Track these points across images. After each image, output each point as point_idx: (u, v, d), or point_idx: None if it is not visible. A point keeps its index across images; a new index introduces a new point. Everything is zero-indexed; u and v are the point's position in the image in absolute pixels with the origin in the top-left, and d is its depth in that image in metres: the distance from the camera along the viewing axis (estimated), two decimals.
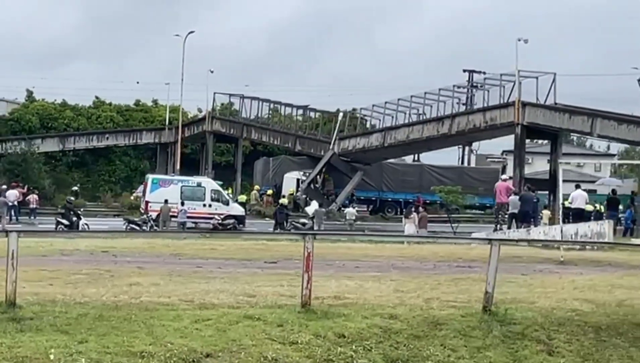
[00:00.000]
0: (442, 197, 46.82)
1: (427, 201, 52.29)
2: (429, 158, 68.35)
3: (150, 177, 46.81)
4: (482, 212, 59.54)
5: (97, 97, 79.82)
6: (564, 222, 29.91)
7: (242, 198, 53.80)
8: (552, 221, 37.08)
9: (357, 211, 53.95)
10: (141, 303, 11.33)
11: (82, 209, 42.91)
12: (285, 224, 43.91)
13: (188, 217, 42.36)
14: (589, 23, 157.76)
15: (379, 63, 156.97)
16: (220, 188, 47.32)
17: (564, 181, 31.46)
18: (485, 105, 49.32)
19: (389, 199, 60.97)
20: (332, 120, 59.89)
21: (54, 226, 36.93)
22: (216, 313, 10.88)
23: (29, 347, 9.17)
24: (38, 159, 59.83)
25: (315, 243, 24.79)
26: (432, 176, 60.25)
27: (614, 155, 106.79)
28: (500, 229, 33.29)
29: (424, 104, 52.73)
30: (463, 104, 54.77)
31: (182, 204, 42.07)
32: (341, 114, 58.65)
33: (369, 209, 61.99)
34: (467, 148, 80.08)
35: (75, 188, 61.06)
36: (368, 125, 59.97)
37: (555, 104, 45.41)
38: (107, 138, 72.21)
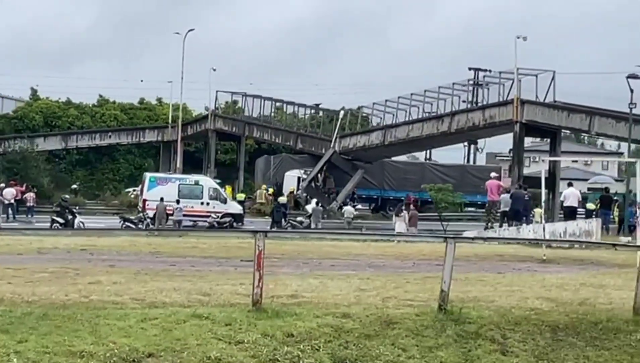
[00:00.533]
0: (432, 195, 46.41)
1: (429, 200, 52.01)
2: (438, 156, 68.26)
3: (147, 175, 46.83)
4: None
5: (100, 96, 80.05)
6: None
7: (241, 196, 53.73)
8: (550, 219, 36.92)
9: (357, 209, 53.93)
10: (90, 302, 11.28)
11: (77, 207, 42.86)
12: (282, 222, 43.94)
13: (186, 215, 42.38)
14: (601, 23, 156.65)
15: (392, 62, 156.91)
16: (218, 186, 47.32)
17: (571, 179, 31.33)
18: (485, 103, 49.22)
19: (391, 198, 60.67)
20: (332, 119, 59.77)
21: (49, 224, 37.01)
22: (164, 312, 10.78)
23: None
24: (37, 158, 59.91)
25: (299, 241, 24.82)
26: (434, 174, 60.04)
27: (621, 153, 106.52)
28: (492, 227, 33.14)
29: (424, 102, 52.56)
30: (469, 102, 54.57)
31: (178, 202, 42.02)
32: (342, 112, 58.48)
33: (371, 207, 61.98)
34: (472, 146, 80.00)
35: (74, 186, 61.17)
36: (374, 123, 59.78)
37: (555, 102, 45.23)
38: (110, 136, 72.29)
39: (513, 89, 45.52)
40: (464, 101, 54.03)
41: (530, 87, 45.55)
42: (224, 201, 45.68)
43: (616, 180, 66.61)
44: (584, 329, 11.46)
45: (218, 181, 49.80)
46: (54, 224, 37.03)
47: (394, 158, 61.57)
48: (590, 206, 44.14)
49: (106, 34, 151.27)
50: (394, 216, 35.32)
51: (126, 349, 9.48)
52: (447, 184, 48.35)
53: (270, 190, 57.34)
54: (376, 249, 23.39)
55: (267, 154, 69.42)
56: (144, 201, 43.96)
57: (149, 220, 40.57)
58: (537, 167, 60.43)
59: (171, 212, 41.39)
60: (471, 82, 52.99)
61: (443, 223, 41.81)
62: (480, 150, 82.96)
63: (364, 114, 61.47)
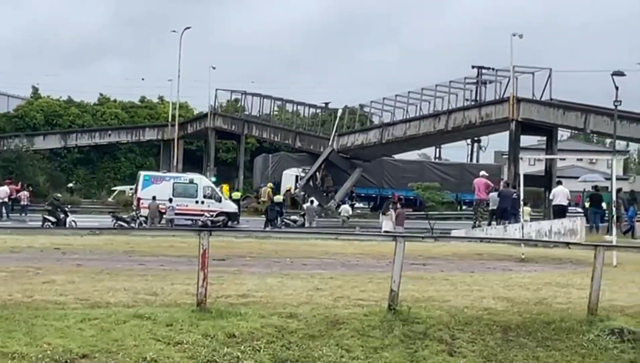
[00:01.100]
0: (418, 194, 46.11)
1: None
2: (446, 154, 67.88)
3: (142, 174, 46.72)
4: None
5: (101, 94, 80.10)
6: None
7: (237, 194, 53.60)
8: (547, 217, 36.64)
9: (356, 208, 53.75)
10: (33, 302, 11.14)
11: (69, 206, 42.75)
12: (276, 221, 43.77)
13: (180, 214, 42.29)
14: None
15: (405, 61, 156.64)
16: (213, 185, 47.21)
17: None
18: (482, 100, 49.02)
19: (390, 196, 60.45)
20: (331, 116, 59.67)
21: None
22: (105, 312, 10.65)
23: None
24: (34, 156, 59.91)
25: (278, 241, 24.61)
26: (433, 172, 59.76)
27: (627, 151, 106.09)
28: (479, 226, 32.93)
29: (421, 100, 52.33)
30: (472, 100, 54.20)
31: (170, 201, 41.90)
32: (340, 111, 58.31)
33: (370, 206, 61.73)
34: (475, 145, 79.73)
35: (70, 184, 61.17)
36: (376, 121, 59.56)
37: (551, 100, 45.00)
38: (110, 135, 72.31)
39: (509, 87, 45.36)
40: (467, 100, 53.69)
41: (528, 85, 45.47)
42: (219, 200, 45.53)
43: (619, 178, 65.98)
44: (536, 329, 11.29)
45: (213, 179, 49.62)
46: (46, 223, 36.98)
47: (393, 156, 61.37)
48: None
49: (113, 33, 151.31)
50: (380, 214, 35.17)
51: (60, 350, 9.38)
52: (435, 183, 47.81)
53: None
54: (357, 248, 23.16)
55: (269, 153, 69.26)
56: (138, 199, 43.84)
57: (142, 219, 40.46)
58: (540, 166, 59.94)
59: (164, 211, 41.28)
60: (469, 80, 52.51)
61: (430, 221, 41.48)
62: (483, 148, 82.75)
63: (364, 113, 61.29)
